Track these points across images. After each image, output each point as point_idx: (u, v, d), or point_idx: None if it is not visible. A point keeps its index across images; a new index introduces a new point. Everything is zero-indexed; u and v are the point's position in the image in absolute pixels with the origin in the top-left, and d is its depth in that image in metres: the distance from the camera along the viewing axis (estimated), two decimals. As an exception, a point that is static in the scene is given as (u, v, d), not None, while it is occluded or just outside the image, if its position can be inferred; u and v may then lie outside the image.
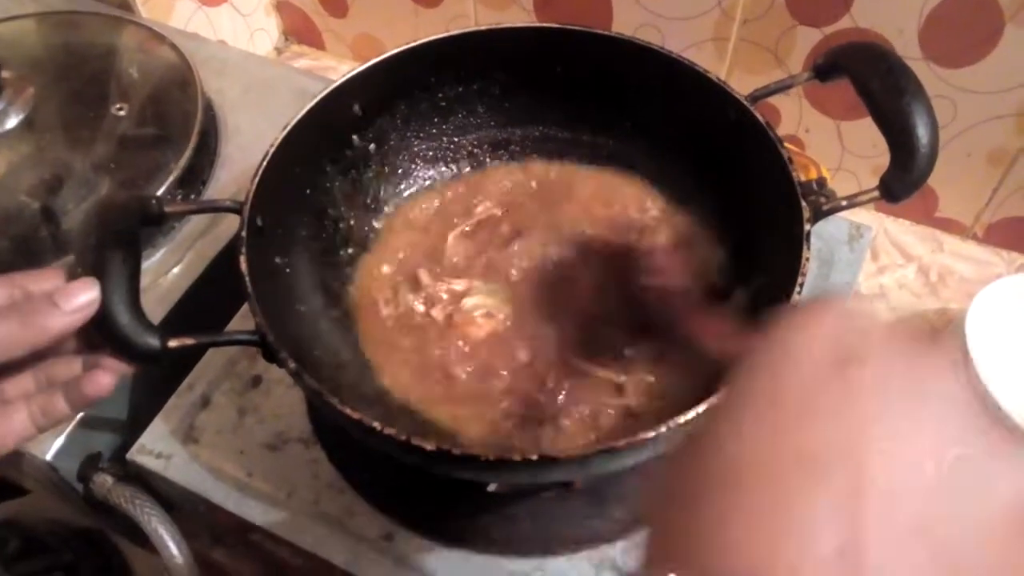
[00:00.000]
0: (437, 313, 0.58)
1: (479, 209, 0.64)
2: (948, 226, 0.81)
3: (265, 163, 0.54)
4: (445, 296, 0.59)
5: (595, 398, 0.53)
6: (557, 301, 0.58)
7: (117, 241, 0.46)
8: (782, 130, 0.81)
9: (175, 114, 0.74)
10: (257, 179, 0.53)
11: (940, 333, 0.71)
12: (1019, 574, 0.21)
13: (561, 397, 0.53)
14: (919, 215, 0.81)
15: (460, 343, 0.57)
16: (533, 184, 0.66)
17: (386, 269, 0.62)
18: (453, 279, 0.60)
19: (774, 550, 0.20)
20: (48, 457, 0.59)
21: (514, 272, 0.60)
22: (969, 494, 0.21)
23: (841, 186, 0.79)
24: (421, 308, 0.59)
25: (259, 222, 0.53)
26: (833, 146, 0.80)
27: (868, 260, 0.77)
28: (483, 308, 0.58)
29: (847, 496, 0.20)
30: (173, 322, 0.64)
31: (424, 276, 0.60)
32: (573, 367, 0.55)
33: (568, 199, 0.64)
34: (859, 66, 0.51)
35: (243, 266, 0.49)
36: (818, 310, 0.25)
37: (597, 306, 0.58)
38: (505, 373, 0.55)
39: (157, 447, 0.59)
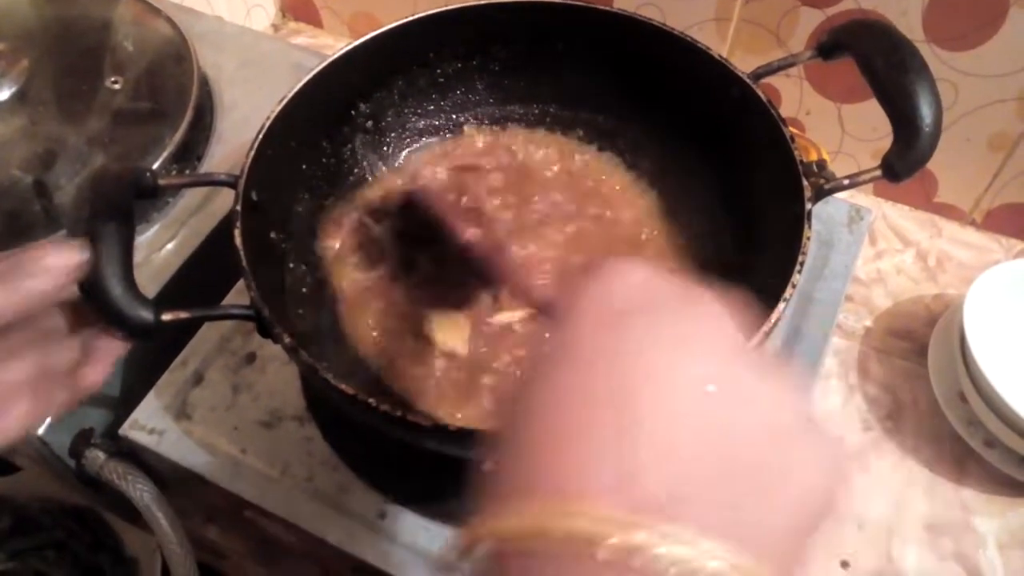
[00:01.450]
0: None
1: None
2: (947, 212, 0.80)
3: (261, 137, 0.53)
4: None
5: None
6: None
7: (111, 213, 0.45)
8: (783, 112, 0.79)
9: (170, 88, 0.73)
10: (252, 153, 0.53)
11: (935, 318, 0.71)
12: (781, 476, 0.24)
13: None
14: (918, 200, 0.81)
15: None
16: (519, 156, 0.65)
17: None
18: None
19: (568, 477, 0.23)
20: (40, 432, 0.58)
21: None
22: (728, 417, 0.24)
23: (841, 169, 0.77)
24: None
25: (254, 197, 0.52)
26: (833, 129, 0.79)
27: (866, 245, 0.77)
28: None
29: (618, 430, 0.23)
30: (167, 298, 0.63)
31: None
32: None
33: (557, 176, 0.64)
34: (863, 44, 0.51)
35: (238, 240, 0.49)
36: (614, 268, 0.29)
37: None
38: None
39: (150, 423, 0.59)
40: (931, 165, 0.80)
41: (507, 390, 0.29)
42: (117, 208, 0.46)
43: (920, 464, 0.65)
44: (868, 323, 0.73)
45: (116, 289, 0.43)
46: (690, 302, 0.28)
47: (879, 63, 0.49)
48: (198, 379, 0.61)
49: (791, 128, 0.79)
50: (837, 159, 0.81)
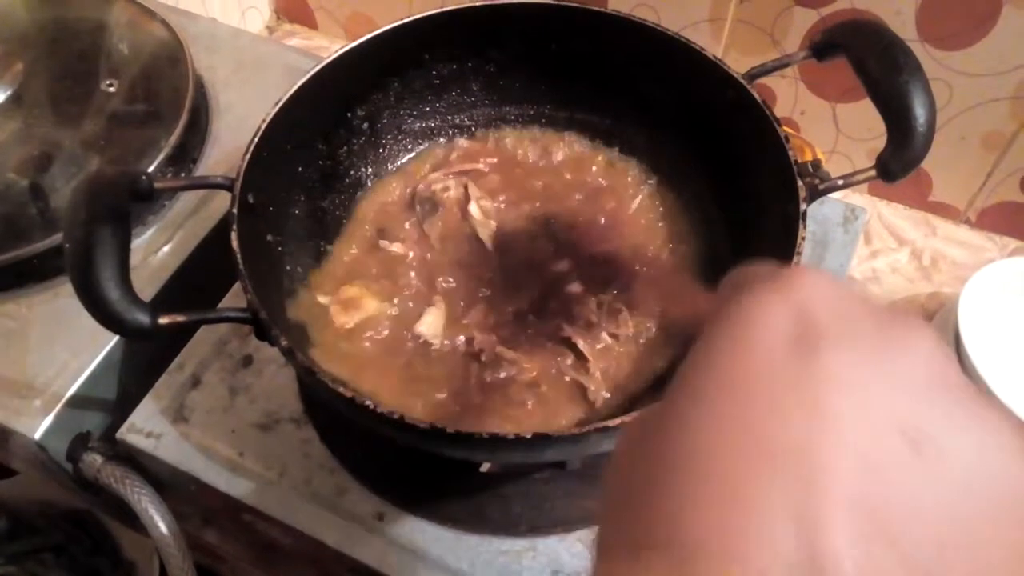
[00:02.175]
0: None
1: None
2: (942, 211, 0.81)
3: (256, 139, 0.53)
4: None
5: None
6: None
7: (107, 216, 0.45)
8: (778, 112, 0.80)
9: (166, 91, 0.73)
10: (248, 156, 0.52)
11: (930, 316, 0.71)
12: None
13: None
14: (913, 199, 0.81)
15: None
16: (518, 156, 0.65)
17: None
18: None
19: (732, 549, 0.19)
20: (36, 436, 0.58)
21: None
22: (942, 488, 0.19)
23: (836, 169, 0.78)
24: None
25: (250, 199, 0.52)
26: (828, 129, 0.80)
27: (861, 244, 0.77)
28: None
29: (804, 486, 0.19)
30: (164, 301, 0.63)
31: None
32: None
33: (555, 175, 0.64)
34: (856, 44, 0.51)
35: (234, 243, 0.49)
36: (774, 282, 0.23)
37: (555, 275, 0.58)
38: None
39: (147, 426, 0.59)
40: (925, 164, 0.79)
41: (637, 420, 0.24)
42: (113, 211, 0.46)
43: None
44: (864, 322, 0.73)
45: (113, 293, 0.44)
46: (898, 329, 0.22)
47: (872, 63, 0.49)
48: (195, 382, 0.61)
49: (786, 128, 0.80)
50: (832, 159, 0.81)
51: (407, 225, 0.62)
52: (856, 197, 0.80)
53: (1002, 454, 0.20)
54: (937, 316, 0.71)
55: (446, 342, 0.55)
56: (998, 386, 0.59)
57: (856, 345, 0.21)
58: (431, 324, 0.56)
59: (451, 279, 0.59)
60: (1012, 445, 0.20)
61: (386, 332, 0.56)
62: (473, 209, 0.61)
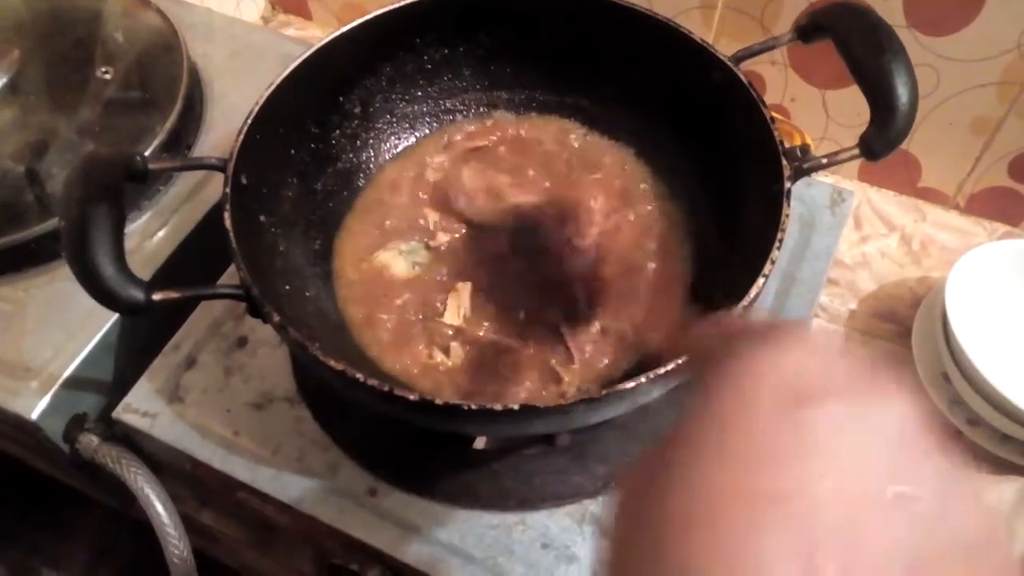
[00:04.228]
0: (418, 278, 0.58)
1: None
2: (931, 196, 0.81)
3: (250, 121, 0.54)
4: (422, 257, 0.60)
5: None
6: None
7: (102, 195, 0.46)
8: (768, 99, 0.80)
9: (160, 78, 0.74)
10: (242, 137, 0.53)
11: (919, 300, 0.71)
12: None
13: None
14: (902, 185, 0.82)
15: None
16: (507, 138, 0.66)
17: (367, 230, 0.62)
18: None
19: None
20: (34, 417, 0.59)
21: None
22: (914, 532, 0.22)
23: (827, 151, 0.80)
24: (399, 269, 0.59)
25: (244, 180, 0.53)
26: (818, 115, 0.80)
27: (851, 229, 0.78)
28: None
29: (802, 542, 0.21)
30: (159, 284, 0.64)
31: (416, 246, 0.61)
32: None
33: (547, 161, 0.65)
34: (841, 25, 0.52)
35: (227, 222, 0.49)
36: (767, 343, 0.25)
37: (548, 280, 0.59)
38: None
39: (143, 406, 0.59)
40: (914, 150, 0.81)
41: (635, 479, 0.25)
42: (107, 190, 0.46)
43: (904, 444, 0.66)
44: (853, 306, 0.74)
45: (108, 269, 0.44)
46: (878, 387, 0.24)
47: (856, 44, 0.50)
48: (190, 362, 0.62)
49: (776, 115, 0.80)
50: (822, 144, 0.82)
51: (415, 209, 0.63)
52: (846, 183, 0.81)
53: (964, 503, 0.23)
54: (926, 300, 0.71)
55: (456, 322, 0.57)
56: (985, 367, 0.60)
57: (842, 403, 0.23)
58: (454, 308, 0.57)
59: (465, 262, 0.60)
60: (972, 494, 0.23)
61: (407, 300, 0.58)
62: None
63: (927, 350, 0.68)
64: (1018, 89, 0.70)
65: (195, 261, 0.67)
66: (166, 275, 0.65)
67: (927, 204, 0.81)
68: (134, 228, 0.67)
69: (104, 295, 0.44)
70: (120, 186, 0.47)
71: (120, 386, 0.62)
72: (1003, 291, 0.68)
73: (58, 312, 0.63)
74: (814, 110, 0.80)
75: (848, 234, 0.77)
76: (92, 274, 0.44)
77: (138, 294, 0.45)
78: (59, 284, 0.65)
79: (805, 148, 0.69)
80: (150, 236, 0.67)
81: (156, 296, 0.45)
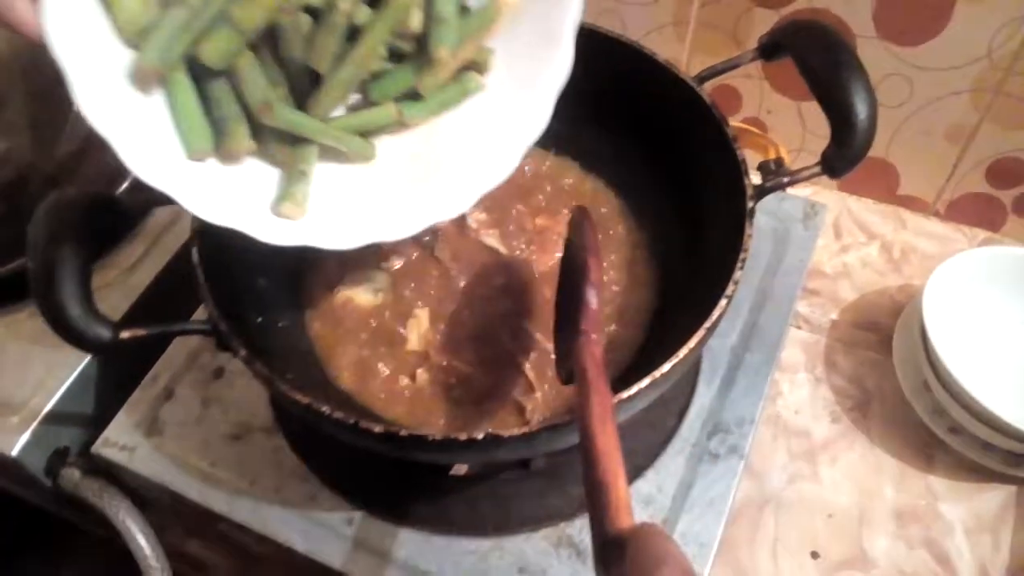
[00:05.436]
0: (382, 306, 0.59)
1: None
2: (910, 204, 0.81)
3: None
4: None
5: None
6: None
7: (68, 235, 0.46)
8: (744, 111, 0.81)
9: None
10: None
11: (900, 309, 0.71)
12: None
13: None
14: (881, 193, 0.82)
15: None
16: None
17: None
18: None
19: None
20: (14, 453, 0.59)
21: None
22: None
23: (801, 164, 0.80)
24: (369, 301, 0.59)
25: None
26: (795, 127, 0.80)
27: (832, 239, 0.78)
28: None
29: None
30: (138, 315, 0.64)
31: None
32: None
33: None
34: (800, 44, 0.52)
35: (195, 258, 0.50)
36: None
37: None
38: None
39: (122, 439, 0.60)
40: (892, 158, 0.81)
41: None
42: (74, 230, 0.47)
43: (888, 454, 0.66)
44: (834, 316, 0.74)
45: (75, 310, 0.45)
46: None
47: (815, 63, 0.50)
48: (168, 395, 0.62)
49: (752, 128, 0.81)
50: (800, 157, 0.82)
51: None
52: (826, 193, 0.81)
53: None
54: (906, 309, 0.71)
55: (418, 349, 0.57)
56: (963, 376, 0.60)
57: None
58: (415, 334, 0.57)
59: (432, 291, 0.60)
60: None
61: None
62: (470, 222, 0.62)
63: (908, 359, 0.68)
64: (991, 96, 0.70)
65: (176, 290, 0.67)
66: (145, 305, 0.66)
67: (907, 212, 0.81)
68: (113, 260, 0.68)
69: (70, 335, 0.45)
70: (86, 226, 0.48)
71: (101, 418, 0.63)
72: (981, 299, 0.68)
73: (37, 347, 0.64)
74: (790, 122, 0.80)
75: (828, 244, 0.77)
76: (59, 315, 0.44)
77: (105, 333, 0.45)
78: (38, 319, 0.65)
79: (779, 161, 0.69)
80: (129, 267, 0.68)
81: (124, 335, 0.45)
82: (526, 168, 0.66)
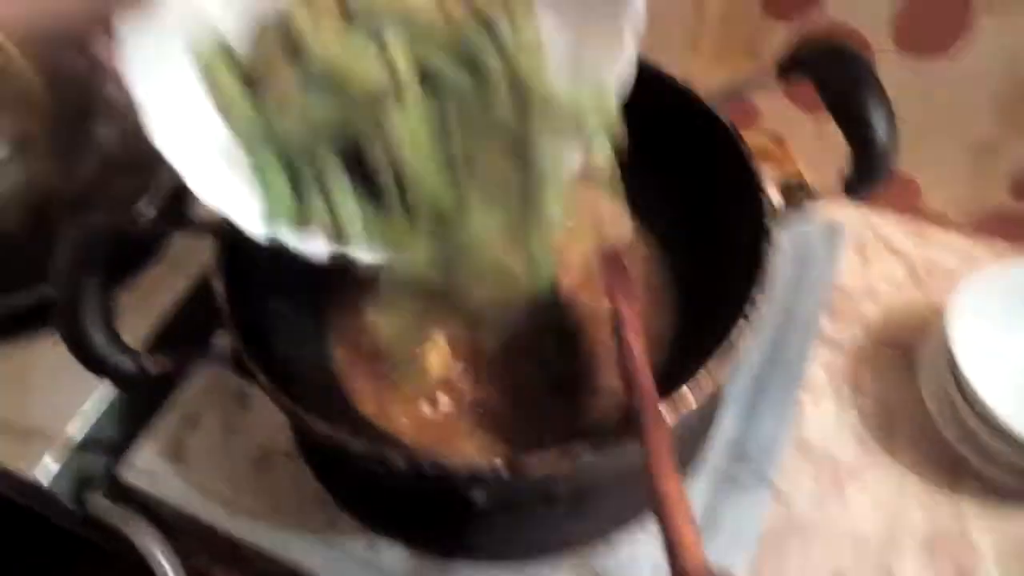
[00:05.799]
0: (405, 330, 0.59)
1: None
2: (933, 218, 0.80)
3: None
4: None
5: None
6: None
7: (93, 264, 0.47)
8: (763, 125, 0.81)
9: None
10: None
11: (926, 326, 0.70)
12: None
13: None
14: (903, 208, 0.81)
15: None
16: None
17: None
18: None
19: None
20: (46, 484, 0.60)
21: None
22: None
23: (822, 182, 0.79)
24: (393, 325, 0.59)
25: (237, 241, 0.53)
26: (814, 141, 0.80)
27: (853, 255, 0.77)
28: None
29: None
30: (160, 340, 0.65)
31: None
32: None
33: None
34: (818, 65, 0.51)
35: (218, 287, 0.50)
36: None
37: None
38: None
39: (146, 466, 0.60)
40: (913, 172, 0.80)
41: None
42: (98, 259, 0.47)
43: (915, 476, 0.64)
44: (858, 334, 0.72)
45: (99, 340, 0.45)
46: None
47: (834, 84, 0.50)
48: (192, 421, 0.63)
49: (771, 143, 0.80)
50: (819, 170, 0.81)
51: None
52: (847, 209, 0.80)
53: None
54: (930, 327, 0.70)
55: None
56: (991, 397, 0.59)
57: None
58: (435, 359, 0.57)
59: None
60: None
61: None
62: None
63: (934, 379, 0.67)
64: (1013, 108, 0.69)
65: (198, 313, 0.67)
66: (168, 330, 0.66)
67: (929, 226, 0.80)
68: (135, 284, 0.68)
69: (96, 365, 0.45)
70: (110, 255, 0.48)
71: (128, 444, 0.63)
72: (1008, 315, 0.66)
73: (66, 374, 0.64)
74: (810, 136, 0.80)
75: (850, 259, 0.76)
76: (83, 345, 0.45)
77: (130, 364, 0.45)
78: (62, 346, 0.66)
79: (800, 181, 0.69)
80: (151, 292, 0.68)
81: (148, 364, 0.46)
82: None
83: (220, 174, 0.47)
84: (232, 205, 0.47)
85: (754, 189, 0.50)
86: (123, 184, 0.72)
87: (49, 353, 0.66)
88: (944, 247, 0.79)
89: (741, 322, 0.44)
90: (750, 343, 0.60)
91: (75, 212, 0.70)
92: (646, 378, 0.43)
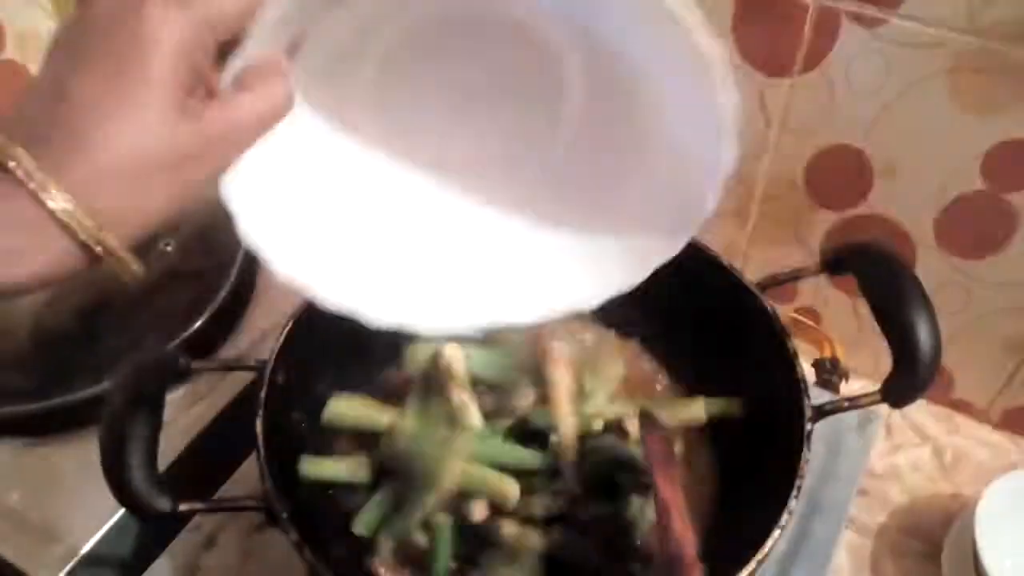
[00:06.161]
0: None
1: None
2: (964, 408, 0.80)
3: (291, 323, 0.56)
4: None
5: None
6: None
7: (142, 403, 0.48)
8: (799, 303, 0.82)
9: (218, 250, 0.78)
10: (283, 337, 0.55)
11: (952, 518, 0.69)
12: None
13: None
14: (936, 395, 0.81)
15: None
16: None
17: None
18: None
19: None
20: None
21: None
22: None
23: (858, 362, 0.79)
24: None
25: (279, 379, 0.54)
26: (850, 319, 0.80)
27: (883, 438, 0.77)
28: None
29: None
30: (178, 471, 0.65)
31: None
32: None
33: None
34: (863, 268, 0.53)
35: (258, 428, 0.51)
36: None
37: None
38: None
39: (160, 586, 0.60)
40: (947, 362, 0.80)
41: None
42: (148, 397, 0.49)
43: (936, 677, 0.63)
44: (883, 519, 0.72)
45: (139, 480, 0.46)
46: None
47: (878, 291, 0.51)
48: (210, 542, 0.63)
49: (807, 320, 0.81)
50: (854, 352, 0.81)
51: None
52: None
53: None
54: (957, 521, 0.69)
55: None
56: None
57: None
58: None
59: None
60: None
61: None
62: None
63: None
64: (1051, 313, 0.70)
65: (218, 447, 0.68)
66: (187, 461, 0.66)
67: (960, 416, 0.80)
68: (169, 399, 0.69)
69: (133, 505, 0.46)
70: (161, 392, 0.50)
71: (142, 563, 0.63)
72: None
73: (93, 479, 0.65)
74: (846, 314, 0.80)
75: (879, 443, 0.76)
76: (124, 484, 0.46)
77: (165, 505, 0.46)
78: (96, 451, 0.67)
79: (835, 361, 0.69)
80: (174, 420, 0.69)
81: (182, 507, 0.46)
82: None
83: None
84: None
85: (796, 388, 0.51)
86: (178, 297, 0.74)
87: (84, 457, 0.66)
88: (974, 438, 0.78)
89: (776, 532, 0.44)
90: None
91: (127, 321, 0.72)
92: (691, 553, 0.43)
